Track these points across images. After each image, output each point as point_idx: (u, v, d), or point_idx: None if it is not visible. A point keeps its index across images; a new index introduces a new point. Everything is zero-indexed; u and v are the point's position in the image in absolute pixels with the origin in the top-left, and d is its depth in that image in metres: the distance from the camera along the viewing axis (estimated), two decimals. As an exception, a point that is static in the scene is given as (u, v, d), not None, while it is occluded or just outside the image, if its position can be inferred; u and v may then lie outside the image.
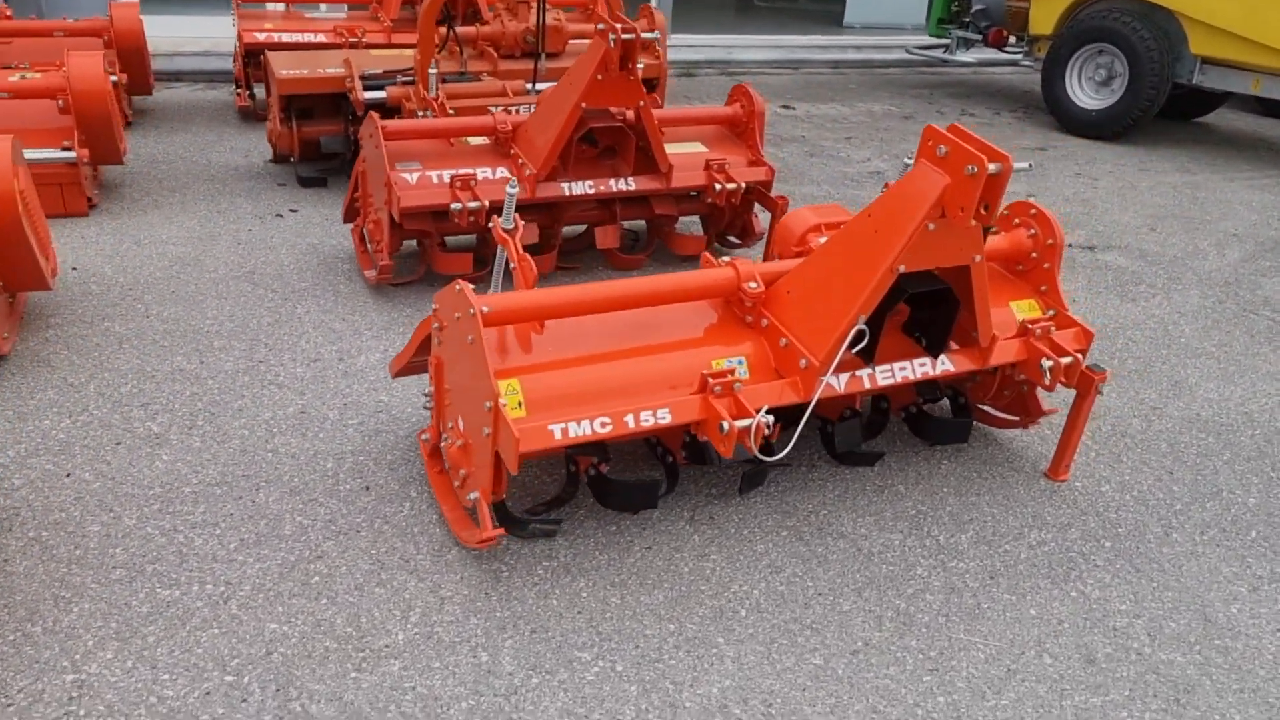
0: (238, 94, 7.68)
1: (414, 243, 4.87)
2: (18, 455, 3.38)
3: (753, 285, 3.13)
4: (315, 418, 3.70)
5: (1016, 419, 3.79)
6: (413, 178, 4.49)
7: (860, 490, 3.53)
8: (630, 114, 4.69)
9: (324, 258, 5.16)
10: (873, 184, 6.96)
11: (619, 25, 4.24)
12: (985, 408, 3.85)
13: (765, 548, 3.21)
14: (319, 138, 6.14)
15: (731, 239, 5.50)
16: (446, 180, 4.47)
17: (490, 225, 3.51)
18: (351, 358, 4.14)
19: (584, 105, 4.44)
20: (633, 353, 3.06)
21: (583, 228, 5.13)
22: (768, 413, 2.83)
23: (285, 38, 7.12)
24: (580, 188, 4.69)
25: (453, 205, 4.39)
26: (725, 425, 2.79)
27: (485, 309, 2.78)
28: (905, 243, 2.87)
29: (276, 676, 2.57)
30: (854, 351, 3.07)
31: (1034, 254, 3.59)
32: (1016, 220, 3.66)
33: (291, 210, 5.82)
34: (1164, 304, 5.33)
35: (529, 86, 6.01)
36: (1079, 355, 3.31)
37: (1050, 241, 3.54)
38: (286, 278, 4.89)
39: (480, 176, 4.54)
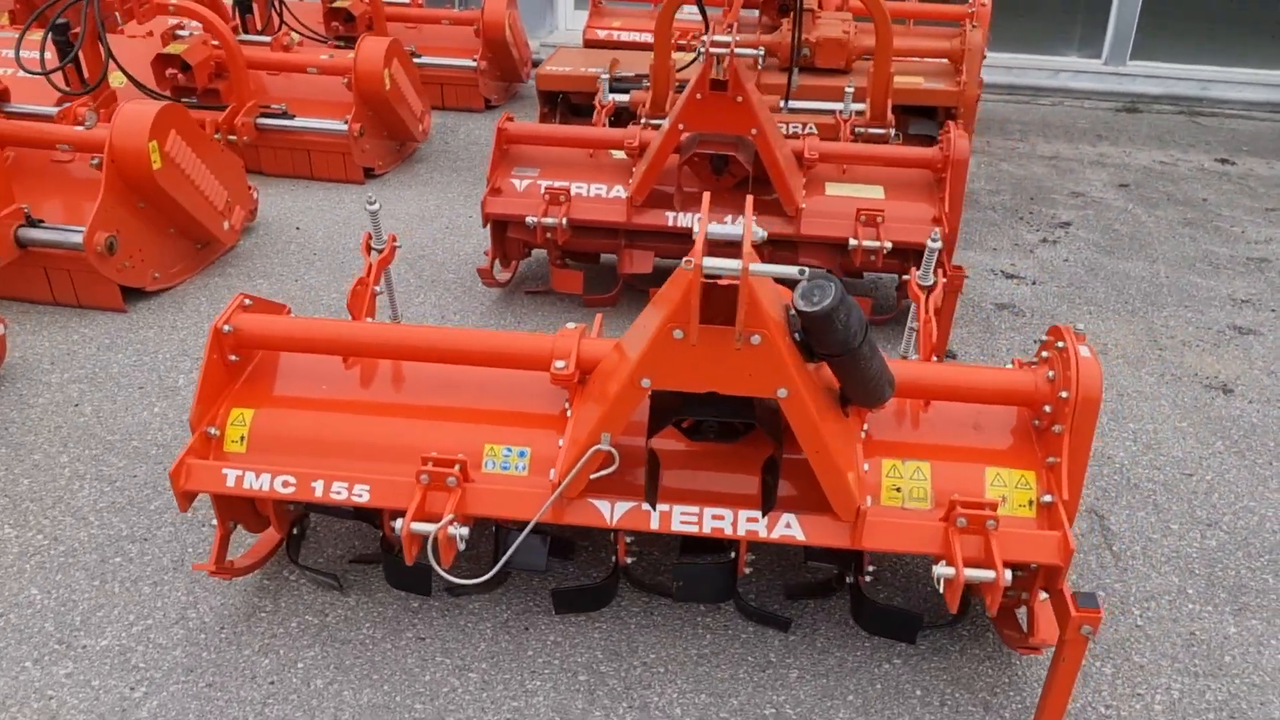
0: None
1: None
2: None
3: (559, 365, 2.50)
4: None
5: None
6: (522, 185, 4.29)
7: (720, 655, 2.70)
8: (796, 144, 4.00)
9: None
10: (1245, 273, 5.21)
11: (711, 38, 3.62)
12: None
13: (539, 685, 2.60)
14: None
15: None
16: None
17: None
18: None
19: (681, 127, 3.87)
20: (414, 413, 2.63)
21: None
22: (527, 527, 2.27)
23: (625, 36, 7.19)
24: (688, 220, 4.13)
25: (528, 219, 4.12)
26: (398, 525, 2.29)
27: (227, 328, 2.56)
28: (647, 349, 2.09)
29: None
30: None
31: (1047, 408, 2.42)
32: (1045, 353, 2.51)
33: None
34: None
35: (782, 104, 5.43)
36: (1061, 583, 2.19)
37: (1067, 395, 2.36)
38: (426, 267, 4.97)
39: (583, 193, 4.19)
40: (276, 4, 6.99)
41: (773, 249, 4.26)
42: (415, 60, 7.40)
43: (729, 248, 1.99)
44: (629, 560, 2.73)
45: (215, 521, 2.66)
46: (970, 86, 5.52)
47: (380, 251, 3.02)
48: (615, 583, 2.76)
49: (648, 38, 7.02)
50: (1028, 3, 10.12)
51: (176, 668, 2.63)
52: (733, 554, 2.64)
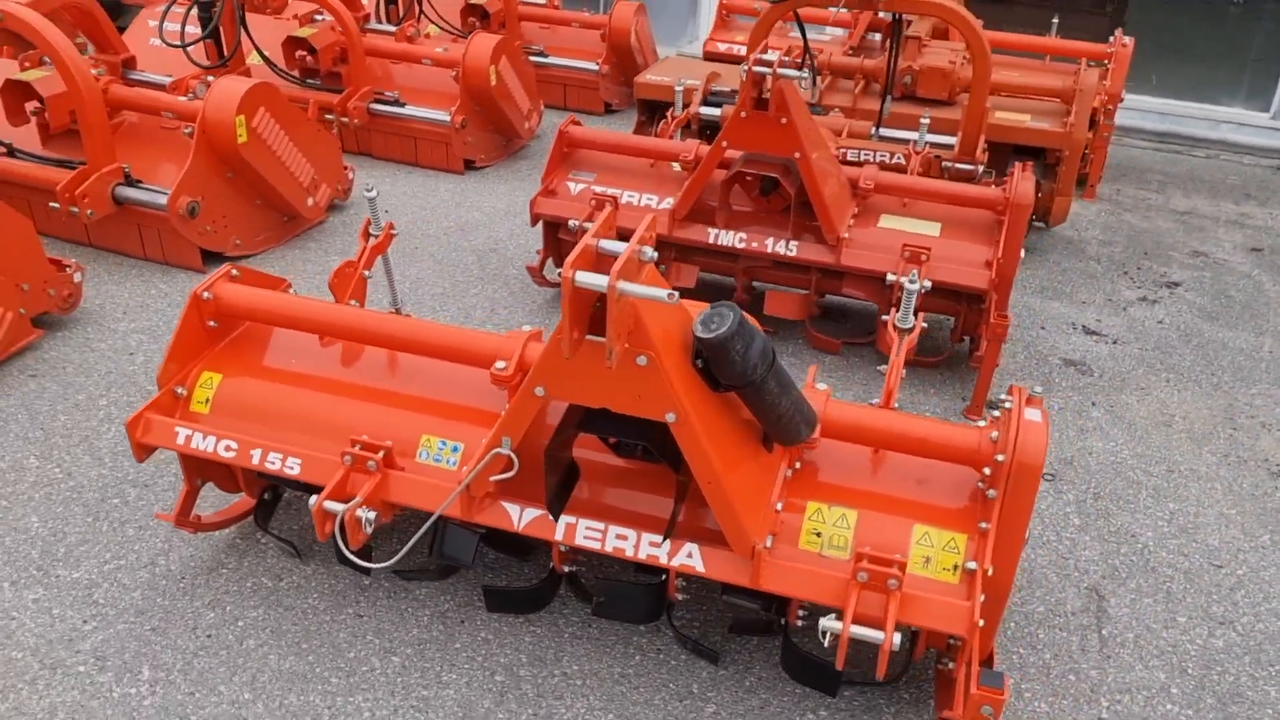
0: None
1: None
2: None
3: (500, 365, 2.53)
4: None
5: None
6: (576, 188, 4.34)
7: (642, 677, 2.67)
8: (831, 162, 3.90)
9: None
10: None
11: (756, 56, 3.56)
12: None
13: (454, 679, 2.64)
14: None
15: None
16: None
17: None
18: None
19: (725, 145, 3.83)
20: (366, 395, 2.72)
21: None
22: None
23: (741, 50, 7.14)
24: (729, 238, 4.07)
25: (570, 222, 4.16)
26: (312, 501, 2.37)
27: (206, 295, 2.70)
28: (541, 358, 2.09)
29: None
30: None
31: (987, 470, 2.29)
32: (996, 412, 2.37)
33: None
34: None
35: (873, 131, 5.29)
36: (970, 656, 2.08)
37: (1003, 459, 2.23)
38: (493, 261, 5.07)
39: (633, 201, 4.21)
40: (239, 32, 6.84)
41: (820, 276, 4.16)
42: (541, 60, 7.62)
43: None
44: (567, 568, 2.72)
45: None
46: (1078, 129, 5.22)
47: (376, 237, 3.11)
48: (551, 588, 2.76)
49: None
50: (1195, 48, 9.51)
51: (130, 608, 2.79)
52: (663, 577, 2.59)
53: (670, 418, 2.04)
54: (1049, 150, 5.42)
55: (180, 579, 2.91)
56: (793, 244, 4.01)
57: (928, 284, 3.68)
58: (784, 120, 3.67)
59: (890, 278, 3.80)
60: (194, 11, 5.89)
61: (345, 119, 6.09)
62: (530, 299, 4.72)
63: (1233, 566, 3.31)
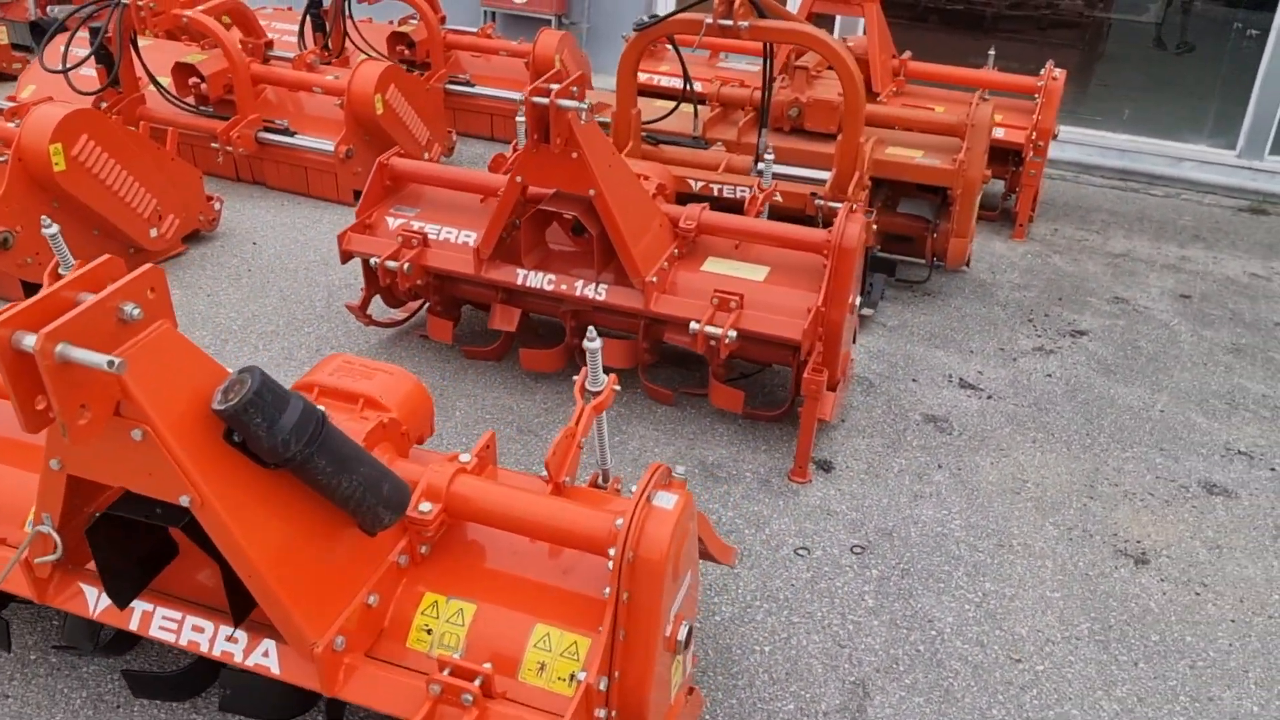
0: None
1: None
2: None
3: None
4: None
5: None
6: (395, 223, 4.09)
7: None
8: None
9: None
10: (1266, 420, 4.32)
11: (535, 86, 3.29)
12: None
13: None
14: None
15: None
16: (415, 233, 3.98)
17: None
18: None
19: (519, 180, 3.56)
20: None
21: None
22: None
23: (665, 81, 6.88)
24: (539, 280, 3.78)
25: (371, 259, 3.90)
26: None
27: None
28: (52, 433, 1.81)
29: None
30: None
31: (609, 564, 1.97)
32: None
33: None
34: None
35: (754, 167, 4.99)
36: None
37: (614, 552, 1.91)
38: (346, 295, 4.82)
39: (450, 238, 3.94)
40: (344, 24, 7.13)
41: (647, 322, 3.86)
42: (466, 90, 7.42)
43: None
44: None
45: None
46: (971, 166, 4.87)
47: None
48: (204, 675, 2.47)
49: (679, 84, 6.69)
50: (1159, 81, 9.10)
51: None
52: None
53: (184, 501, 1.75)
54: (947, 190, 5.08)
55: None
56: (602, 288, 3.72)
57: (734, 334, 3.38)
58: (575, 155, 3.38)
59: (693, 327, 3.48)
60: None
61: (230, 148, 5.91)
62: (364, 339, 4.46)
63: (1033, 661, 2.93)
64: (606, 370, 2.37)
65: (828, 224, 4.57)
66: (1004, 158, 6.51)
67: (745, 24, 4.40)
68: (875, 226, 4.81)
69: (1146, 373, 4.69)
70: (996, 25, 10.02)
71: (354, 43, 7.40)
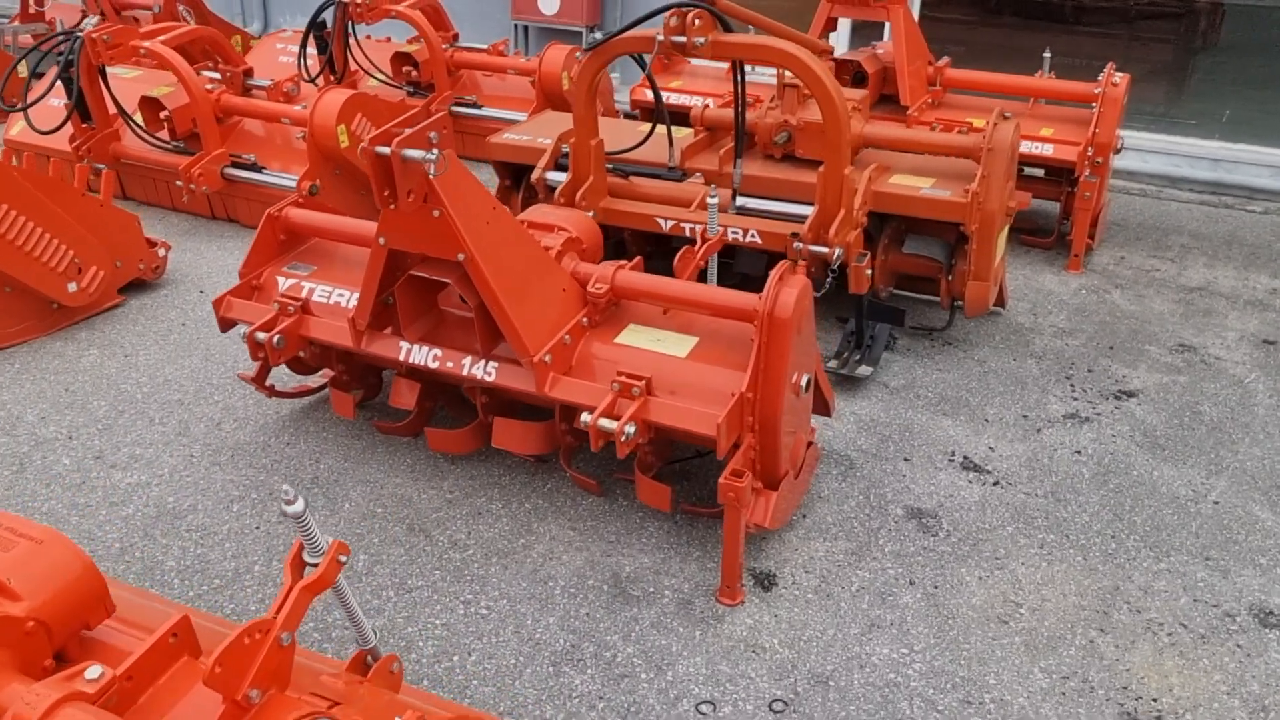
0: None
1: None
2: None
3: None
4: None
5: None
6: (286, 284, 3.57)
7: None
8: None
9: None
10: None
11: (377, 134, 2.71)
12: None
13: None
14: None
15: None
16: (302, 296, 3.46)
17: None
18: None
19: (382, 241, 2.98)
20: None
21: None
22: None
23: (680, 99, 6.24)
24: (423, 355, 3.20)
25: (240, 327, 3.39)
26: None
27: None
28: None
29: None
30: None
31: None
32: None
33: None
34: None
35: (732, 203, 4.33)
36: None
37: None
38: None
39: (343, 302, 3.41)
40: (346, 46, 6.76)
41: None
42: (473, 112, 6.92)
43: None
44: None
45: None
46: (988, 197, 4.08)
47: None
48: None
49: (695, 100, 6.05)
50: (1264, 76, 7.96)
51: None
52: None
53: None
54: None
55: None
56: (491, 366, 3.10)
57: (633, 430, 2.74)
58: (436, 213, 2.78)
59: (584, 419, 2.83)
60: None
61: (193, 186, 5.52)
62: (274, 410, 3.96)
63: None
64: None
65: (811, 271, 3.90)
66: (1059, 176, 5.67)
67: (702, 40, 3.75)
68: (871, 270, 4.07)
69: (1204, 448, 3.83)
70: (1079, 19, 8.99)
71: (359, 64, 6.99)
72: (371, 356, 3.29)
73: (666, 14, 3.76)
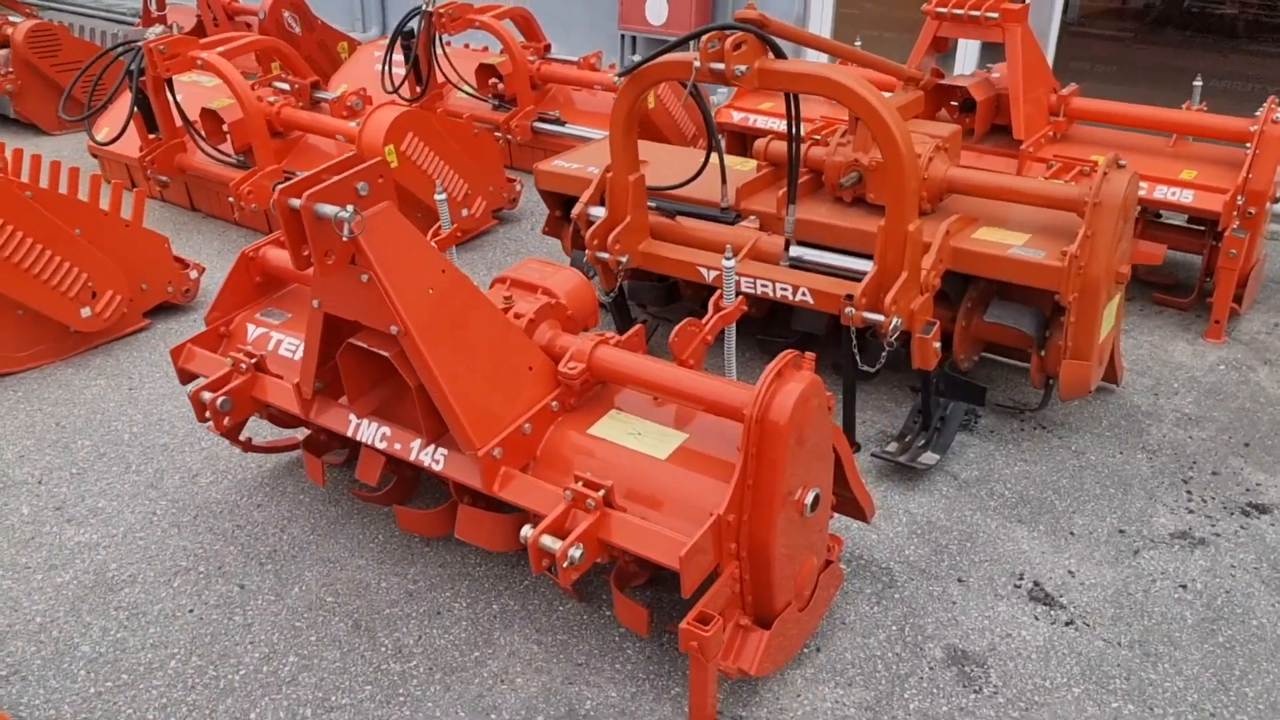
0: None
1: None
2: None
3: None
4: None
5: None
6: (256, 332, 3.21)
7: None
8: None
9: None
10: None
11: (282, 187, 2.28)
12: None
13: None
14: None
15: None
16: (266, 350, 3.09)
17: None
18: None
19: (316, 304, 2.56)
20: None
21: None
22: None
23: (768, 123, 5.66)
24: (370, 433, 2.76)
25: (189, 386, 3.03)
26: None
27: None
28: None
29: None
30: None
31: None
32: None
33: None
34: None
35: (784, 256, 3.76)
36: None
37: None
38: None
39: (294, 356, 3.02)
40: (433, 56, 6.49)
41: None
42: (556, 129, 6.51)
43: None
44: None
45: None
46: (1091, 261, 3.36)
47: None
48: None
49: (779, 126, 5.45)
50: None
51: None
52: None
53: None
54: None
55: None
56: (439, 453, 2.64)
57: (579, 554, 2.25)
58: (365, 278, 2.34)
59: (524, 534, 2.33)
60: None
61: (243, 203, 5.30)
62: (255, 463, 3.62)
63: None
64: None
65: (863, 342, 3.31)
66: (1202, 224, 4.83)
67: (743, 68, 3.19)
68: (938, 344, 3.43)
69: (1352, 591, 3.03)
70: (1253, 35, 7.92)
71: (445, 75, 6.69)
72: (323, 428, 2.87)
73: (704, 38, 3.22)
